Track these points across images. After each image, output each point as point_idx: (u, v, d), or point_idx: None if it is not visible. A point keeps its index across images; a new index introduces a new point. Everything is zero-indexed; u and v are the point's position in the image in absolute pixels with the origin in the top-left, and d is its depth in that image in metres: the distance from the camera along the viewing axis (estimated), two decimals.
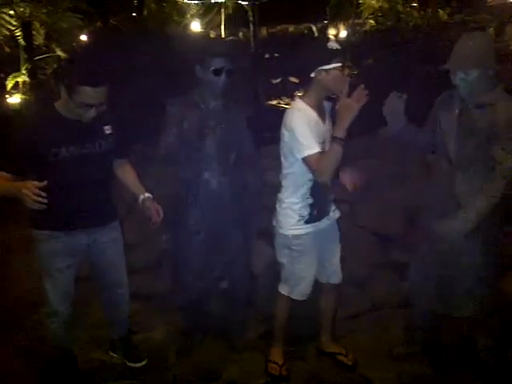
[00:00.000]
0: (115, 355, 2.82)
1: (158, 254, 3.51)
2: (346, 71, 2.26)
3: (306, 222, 2.43)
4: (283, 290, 2.61)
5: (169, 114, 2.53)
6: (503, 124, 2.11)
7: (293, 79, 8.39)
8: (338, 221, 2.62)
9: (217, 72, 2.42)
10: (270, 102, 6.69)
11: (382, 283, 3.29)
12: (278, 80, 8.13)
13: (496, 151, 2.12)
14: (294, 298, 2.60)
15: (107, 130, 2.31)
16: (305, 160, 2.26)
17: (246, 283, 2.86)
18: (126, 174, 2.55)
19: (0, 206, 2.87)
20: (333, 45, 2.25)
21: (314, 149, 2.23)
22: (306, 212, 2.42)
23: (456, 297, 2.40)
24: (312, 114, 2.33)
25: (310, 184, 2.38)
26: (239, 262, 2.77)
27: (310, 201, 2.41)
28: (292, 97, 8.34)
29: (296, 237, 2.46)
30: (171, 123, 2.53)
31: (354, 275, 3.24)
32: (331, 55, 2.24)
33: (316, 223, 2.46)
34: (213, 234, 2.68)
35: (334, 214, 2.58)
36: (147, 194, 2.46)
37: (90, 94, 2.07)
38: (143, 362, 2.76)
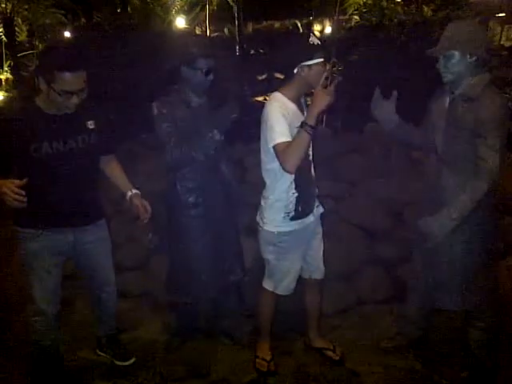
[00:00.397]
0: (103, 354, 2.80)
1: (146, 253, 3.50)
2: (328, 67, 2.27)
3: (292, 219, 2.42)
4: (267, 285, 2.61)
5: (154, 111, 2.53)
6: (488, 119, 2.08)
7: (279, 75, 8.41)
8: (322, 216, 2.63)
9: (197, 71, 2.43)
10: (256, 99, 6.69)
11: (368, 278, 3.31)
12: (264, 76, 8.14)
13: (480, 147, 2.10)
14: (278, 293, 2.61)
15: (90, 124, 2.28)
16: (274, 149, 2.22)
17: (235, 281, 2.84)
18: (113, 170, 2.53)
19: None
20: (314, 40, 2.25)
21: (284, 138, 2.19)
22: (291, 208, 2.41)
23: (445, 290, 2.41)
24: (290, 105, 2.31)
25: (291, 178, 2.35)
26: (234, 258, 2.77)
27: (295, 196, 2.39)
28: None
29: (282, 234, 2.45)
30: (157, 120, 2.51)
31: (340, 270, 3.27)
32: (313, 50, 2.25)
33: (302, 219, 2.45)
34: (205, 232, 2.66)
35: (318, 209, 2.58)
36: (134, 191, 2.43)
37: (69, 79, 2.05)
38: (131, 360, 2.75)
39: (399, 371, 2.66)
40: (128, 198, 2.42)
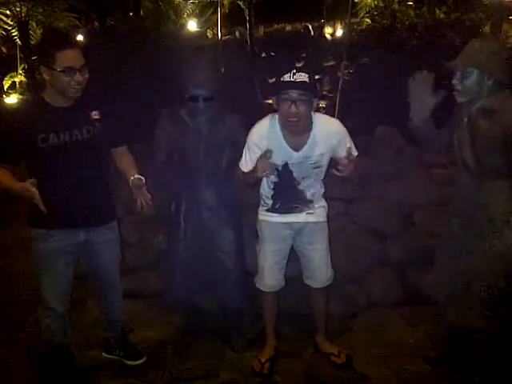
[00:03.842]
0: (111, 356, 2.81)
1: (156, 253, 3.52)
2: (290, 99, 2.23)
3: (268, 210, 2.55)
4: (255, 279, 2.70)
5: (156, 127, 2.63)
6: None
7: None
8: (320, 227, 2.59)
9: (193, 99, 2.49)
10: (267, 101, 6.71)
11: (379, 281, 3.30)
12: (274, 79, 8.15)
13: None
14: (260, 288, 2.67)
15: (95, 115, 2.30)
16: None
17: (239, 283, 2.82)
18: (122, 160, 2.51)
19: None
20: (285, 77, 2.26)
21: (245, 165, 2.47)
22: (268, 201, 2.54)
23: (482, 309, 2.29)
24: (276, 131, 2.40)
25: (271, 179, 2.49)
26: (232, 261, 2.76)
27: (272, 192, 2.52)
28: None
29: (261, 221, 2.61)
30: (158, 136, 2.63)
31: (351, 273, 3.26)
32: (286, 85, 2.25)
33: (278, 215, 2.53)
34: (203, 235, 2.69)
35: (308, 216, 2.54)
36: (137, 175, 2.40)
37: (69, 55, 2.11)
38: (143, 359, 2.77)
39: (410, 375, 2.65)
40: (130, 182, 2.39)
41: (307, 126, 2.36)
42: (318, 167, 2.44)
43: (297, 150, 2.38)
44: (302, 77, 2.22)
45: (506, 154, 2.10)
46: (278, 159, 2.39)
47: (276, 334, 2.83)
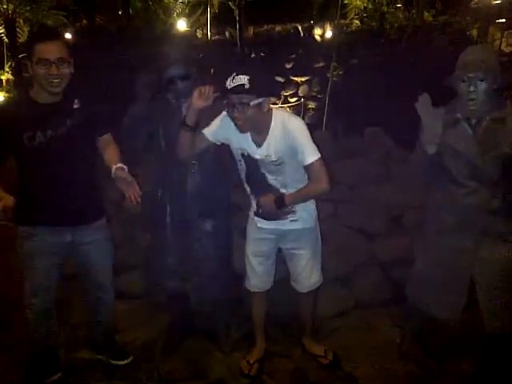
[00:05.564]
0: (98, 356, 2.79)
1: (145, 253, 3.50)
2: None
3: (254, 214, 2.49)
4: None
5: (140, 111, 2.61)
6: None
7: (279, 78, 8.42)
8: (305, 233, 2.53)
9: (171, 80, 2.46)
10: None
11: (367, 281, 3.32)
12: None
13: None
14: (247, 288, 2.68)
15: (75, 104, 2.29)
16: None
17: (223, 282, 2.81)
18: (106, 149, 2.45)
19: None
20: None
21: (207, 130, 2.41)
22: (253, 204, 2.51)
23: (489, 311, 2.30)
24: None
25: (243, 174, 2.48)
26: (214, 261, 2.74)
27: (252, 197, 2.50)
28: (279, 96, 8.41)
29: (248, 222, 2.61)
30: (143, 119, 2.60)
31: (339, 273, 3.28)
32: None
33: (263, 220, 2.47)
34: (186, 232, 2.68)
35: (292, 223, 2.46)
36: (119, 164, 2.30)
37: (45, 47, 2.12)
38: (128, 360, 2.75)
39: (398, 375, 2.67)
40: (113, 173, 2.28)
41: (261, 125, 2.28)
42: (279, 164, 2.33)
43: (258, 146, 2.34)
44: (241, 80, 2.15)
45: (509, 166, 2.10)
46: (243, 149, 2.38)
47: (265, 334, 2.83)
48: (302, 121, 2.34)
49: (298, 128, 2.26)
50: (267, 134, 2.30)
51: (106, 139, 2.49)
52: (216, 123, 2.40)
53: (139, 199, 2.28)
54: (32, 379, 2.57)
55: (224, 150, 2.53)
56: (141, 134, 2.64)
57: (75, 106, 2.28)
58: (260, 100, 2.18)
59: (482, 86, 2.07)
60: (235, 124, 2.25)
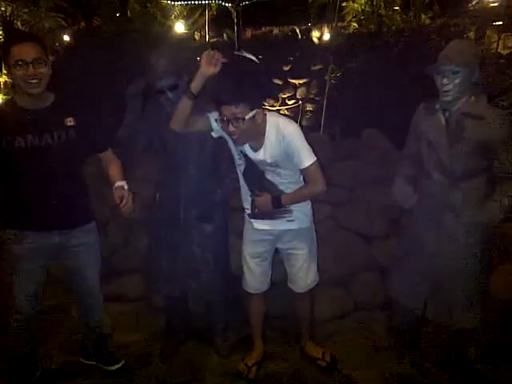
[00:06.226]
0: (87, 362, 2.78)
1: (141, 257, 3.50)
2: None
3: (249, 216, 2.51)
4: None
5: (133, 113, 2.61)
6: (504, 137, 2.12)
7: (277, 81, 8.43)
8: (302, 233, 2.55)
9: (159, 91, 2.46)
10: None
11: (365, 284, 3.32)
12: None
13: (501, 160, 2.15)
14: (245, 289, 2.68)
15: (69, 121, 2.27)
16: None
17: (221, 285, 2.80)
18: (107, 164, 2.46)
19: None
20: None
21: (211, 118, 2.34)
22: (248, 205, 2.51)
23: (456, 307, 2.39)
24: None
25: (241, 184, 2.49)
26: (214, 263, 2.74)
27: (247, 198, 2.50)
28: (276, 99, 8.41)
29: (245, 224, 2.60)
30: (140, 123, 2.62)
31: (337, 276, 3.28)
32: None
33: (259, 221, 2.49)
34: (183, 235, 2.68)
35: (289, 223, 2.48)
36: (120, 183, 2.34)
37: (20, 49, 2.12)
38: (119, 364, 2.74)
39: (396, 377, 2.67)
40: (114, 190, 2.32)
41: (257, 134, 2.28)
42: (275, 167, 2.34)
43: (254, 150, 2.33)
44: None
45: (486, 159, 2.17)
46: (241, 151, 2.37)
47: (263, 337, 2.83)
48: (297, 124, 2.34)
49: (292, 133, 2.26)
50: (263, 139, 2.30)
51: (107, 155, 2.48)
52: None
53: (128, 214, 2.31)
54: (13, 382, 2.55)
55: (220, 149, 2.53)
56: (138, 139, 2.65)
57: (68, 123, 2.27)
58: (254, 112, 2.17)
59: (456, 78, 2.13)
60: (231, 138, 2.23)
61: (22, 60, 2.11)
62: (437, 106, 2.28)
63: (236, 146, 2.31)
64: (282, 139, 2.25)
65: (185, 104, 2.24)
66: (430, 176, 2.33)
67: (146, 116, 2.63)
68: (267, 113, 2.30)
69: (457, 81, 2.13)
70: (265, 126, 2.28)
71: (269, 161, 2.32)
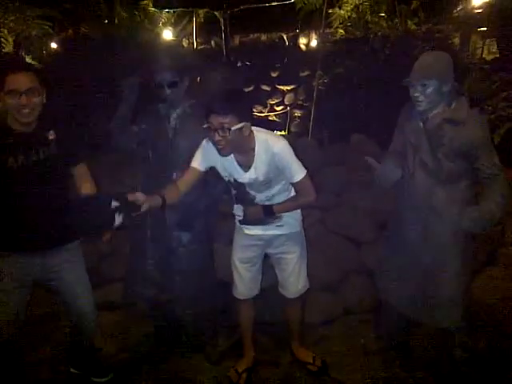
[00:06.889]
0: (76, 371, 2.75)
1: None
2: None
3: (240, 222, 2.53)
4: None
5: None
6: (483, 141, 2.19)
7: (265, 87, 8.46)
8: (291, 238, 2.56)
9: (159, 85, 2.48)
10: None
11: (354, 288, 3.33)
12: (251, 88, 8.19)
13: (483, 167, 2.19)
14: (234, 295, 2.68)
15: (50, 135, 2.27)
16: None
17: (207, 291, 2.79)
18: (82, 182, 2.41)
19: None
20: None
21: (195, 161, 2.38)
22: (240, 213, 2.50)
23: (438, 308, 2.42)
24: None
25: (232, 192, 2.50)
26: (200, 270, 2.73)
27: (238, 205, 2.50)
28: (264, 105, 8.45)
29: (235, 228, 2.62)
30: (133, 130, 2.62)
31: (327, 280, 3.29)
32: None
33: (249, 227, 2.51)
34: (168, 242, 2.66)
35: (278, 228, 2.50)
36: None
37: (13, 79, 2.11)
38: (108, 377, 2.71)
39: (386, 381, 2.67)
40: None
41: (244, 148, 2.29)
42: (267, 183, 2.37)
43: (245, 169, 2.35)
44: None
45: (466, 162, 2.23)
46: (230, 175, 2.40)
47: (253, 343, 2.83)
48: (285, 140, 2.35)
49: (282, 149, 2.29)
50: (253, 157, 2.32)
51: (81, 170, 2.43)
52: (200, 153, 2.38)
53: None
54: None
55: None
56: (129, 143, 2.65)
57: (50, 137, 2.26)
58: (241, 125, 2.18)
59: (426, 91, 2.23)
60: (216, 148, 2.24)
61: (14, 90, 2.10)
62: (415, 112, 2.35)
63: (221, 155, 2.29)
64: (273, 157, 2.28)
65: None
66: (413, 177, 2.38)
67: (139, 119, 2.64)
68: (255, 129, 2.31)
69: (427, 93, 2.23)
70: (253, 142, 2.30)
71: (261, 179, 2.34)
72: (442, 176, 2.29)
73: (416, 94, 2.25)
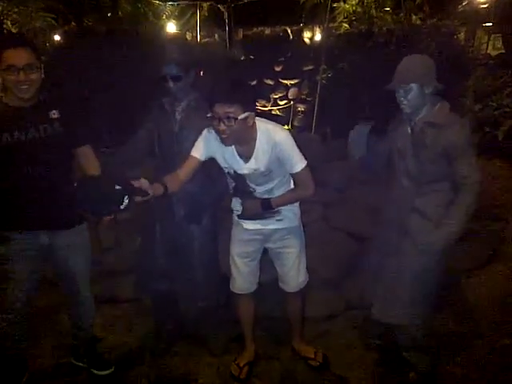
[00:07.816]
0: (79, 363, 2.76)
1: (133, 257, 3.49)
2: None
3: (239, 217, 2.52)
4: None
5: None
6: (463, 143, 2.21)
7: (268, 81, 8.44)
8: (291, 232, 2.55)
9: (163, 78, 2.47)
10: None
11: (356, 284, 3.32)
12: (254, 82, 8.17)
13: (461, 167, 2.21)
14: (233, 290, 2.68)
15: (53, 114, 2.26)
16: None
17: (211, 285, 2.78)
18: (85, 161, 2.41)
19: None
20: None
21: (195, 150, 2.36)
22: (238, 207, 2.50)
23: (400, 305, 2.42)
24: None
25: (231, 185, 2.50)
26: (202, 263, 2.73)
27: (236, 200, 2.51)
28: (268, 99, 8.43)
29: (233, 225, 2.62)
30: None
31: (329, 276, 3.29)
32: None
33: (248, 221, 2.51)
34: (174, 236, 2.67)
35: (278, 222, 2.49)
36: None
37: (11, 54, 2.10)
38: (109, 370, 2.71)
39: (387, 376, 2.68)
40: None
41: (246, 138, 2.27)
42: (268, 174, 2.36)
43: (246, 160, 2.33)
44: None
45: (447, 164, 2.25)
46: (230, 167, 2.38)
47: (254, 337, 2.83)
48: (286, 130, 2.35)
49: (284, 139, 2.27)
50: (253, 147, 2.30)
51: (87, 150, 2.42)
52: (201, 142, 2.36)
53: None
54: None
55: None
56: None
57: (53, 116, 2.25)
58: (247, 114, 2.16)
59: (409, 94, 2.25)
60: (220, 137, 2.22)
61: (12, 65, 2.10)
62: (404, 116, 2.38)
63: (225, 145, 2.28)
64: (275, 146, 2.26)
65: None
66: (399, 182, 2.42)
67: (147, 116, 2.64)
68: (257, 120, 2.29)
69: (410, 96, 2.25)
70: (255, 132, 2.28)
71: (262, 169, 2.32)
72: (423, 179, 2.32)
73: (401, 98, 2.28)
